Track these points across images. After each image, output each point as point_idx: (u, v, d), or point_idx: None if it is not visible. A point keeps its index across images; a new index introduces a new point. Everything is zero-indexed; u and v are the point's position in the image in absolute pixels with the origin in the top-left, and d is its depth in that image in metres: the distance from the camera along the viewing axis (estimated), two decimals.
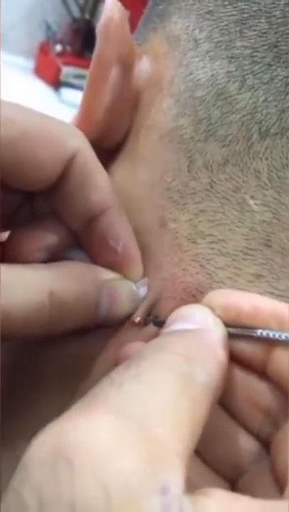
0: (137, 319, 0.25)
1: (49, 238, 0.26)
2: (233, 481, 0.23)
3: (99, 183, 0.25)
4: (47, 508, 0.14)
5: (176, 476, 0.15)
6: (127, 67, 0.27)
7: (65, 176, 0.24)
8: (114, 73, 0.27)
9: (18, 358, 0.27)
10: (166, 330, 0.22)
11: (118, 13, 0.27)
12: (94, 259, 0.26)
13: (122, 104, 0.28)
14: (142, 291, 0.25)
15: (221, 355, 0.21)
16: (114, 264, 0.26)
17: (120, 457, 0.15)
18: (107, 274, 0.25)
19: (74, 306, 0.23)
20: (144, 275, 0.26)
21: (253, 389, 0.22)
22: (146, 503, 0.14)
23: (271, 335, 0.21)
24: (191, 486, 0.16)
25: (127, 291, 0.25)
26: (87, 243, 0.26)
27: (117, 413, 0.16)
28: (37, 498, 0.14)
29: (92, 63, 0.27)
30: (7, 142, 0.23)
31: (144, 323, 0.25)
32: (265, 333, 0.21)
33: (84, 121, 0.28)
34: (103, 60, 0.27)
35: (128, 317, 0.26)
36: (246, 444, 0.23)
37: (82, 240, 0.26)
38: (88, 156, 0.25)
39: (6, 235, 0.27)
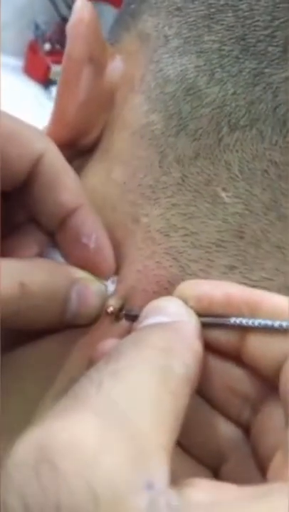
0: (110, 309, 0.25)
1: (30, 249, 0.26)
2: (216, 469, 0.23)
3: (68, 183, 0.25)
4: None
5: (160, 471, 0.15)
6: (99, 66, 0.28)
7: (33, 176, 0.25)
8: (86, 72, 0.27)
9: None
10: (141, 324, 0.22)
11: (88, 14, 0.27)
12: (68, 257, 0.26)
13: (95, 103, 0.28)
14: (111, 288, 0.26)
15: (196, 345, 0.21)
16: (87, 261, 0.26)
17: (104, 457, 0.15)
18: (79, 273, 0.26)
19: (43, 300, 0.24)
20: (118, 271, 0.26)
21: (229, 376, 0.23)
22: (134, 500, 0.14)
23: (244, 322, 0.21)
24: (175, 477, 0.16)
25: (97, 290, 0.26)
26: (61, 242, 0.26)
27: (99, 413, 0.16)
28: (22, 504, 0.14)
29: (64, 63, 0.28)
30: None
31: (117, 318, 0.25)
32: (238, 320, 0.22)
33: (58, 121, 0.28)
34: (74, 60, 0.27)
35: (97, 318, 0.26)
36: (226, 430, 0.23)
37: (57, 240, 0.26)
38: (55, 156, 0.25)
39: None
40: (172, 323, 0.22)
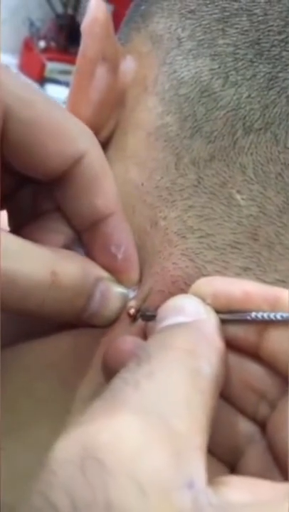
0: (132, 311, 0.25)
1: (55, 240, 0.26)
2: (232, 464, 0.23)
3: (105, 188, 0.25)
4: (82, 510, 0.14)
5: (199, 470, 0.16)
6: (112, 65, 0.28)
7: (70, 175, 0.25)
8: (100, 71, 0.27)
9: (8, 351, 0.27)
10: (161, 324, 0.22)
11: (102, 13, 0.27)
12: (93, 259, 0.26)
13: (107, 102, 0.28)
14: (131, 295, 0.26)
15: (218, 343, 0.21)
16: (111, 269, 0.26)
17: (149, 455, 0.15)
18: (105, 274, 0.26)
19: (70, 291, 0.23)
20: (138, 280, 0.26)
21: (246, 372, 0.23)
22: (179, 497, 0.15)
23: (266, 316, 0.21)
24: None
25: (120, 295, 0.26)
26: (88, 244, 0.26)
27: (139, 412, 0.16)
28: (69, 501, 0.14)
29: (78, 62, 0.28)
30: (22, 123, 0.23)
31: (133, 318, 0.26)
32: (259, 315, 0.22)
33: None
34: (88, 59, 0.27)
35: (114, 321, 0.26)
36: (243, 426, 0.23)
37: (83, 240, 0.26)
38: (96, 159, 0.25)
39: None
40: (193, 323, 0.22)
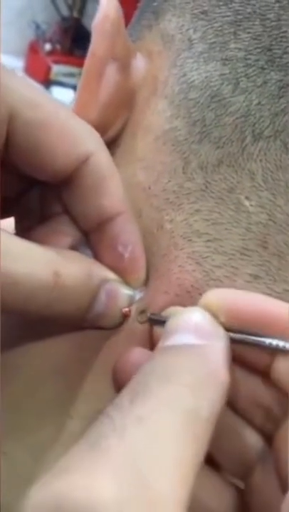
0: (124, 310, 0.25)
1: (62, 242, 0.26)
2: (243, 479, 0.23)
3: (111, 188, 0.25)
4: None
5: None
6: (122, 64, 0.27)
7: (77, 176, 0.24)
8: (109, 70, 0.27)
9: (12, 353, 0.27)
10: (169, 339, 0.22)
11: (113, 11, 0.27)
12: (100, 260, 0.26)
13: (116, 101, 0.28)
14: (137, 297, 0.26)
15: (223, 377, 0.20)
16: (118, 269, 0.26)
17: None
18: (111, 275, 0.25)
19: (74, 292, 0.23)
20: (145, 281, 0.26)
21: (254, 388, 0.22)
22: None
23: (281, 345, 0.21)
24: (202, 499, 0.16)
25: (126, 296, 0.25)
26: (95, 244, 0.26)
27: (118, 469, 0.16)
28: None
29: (87, 60, 0.27)
30: (29, 125, 0.23)
31: (141, 321, 0.25)
32: (274, 343, 0.21)
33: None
34: (98, 57, 0.27)
35: (121, 323, 0.25)
36: (251, 439, 0.23)
37: (91, 241, 0.26)
38: (103, 159, 0.25)
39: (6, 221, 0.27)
40: (200, 348, 0.21)
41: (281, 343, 0.21)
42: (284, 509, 0.18)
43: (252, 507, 0.23)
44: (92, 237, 0.26)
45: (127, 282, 0.26)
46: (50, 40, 1.92)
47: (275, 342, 0.21)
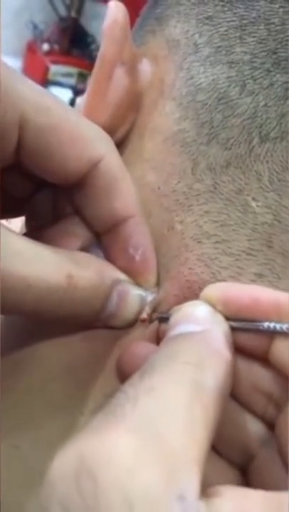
0: (143, 316, 0.26)
1: (73, 243, 0.26)
2: (244, 466, 0.23)
3: (123, 191, 0.25)
4: None
5: (191, 484, 0.16)
6: (130, 67, 0.28)
7: (89, 178, 0.25)
8: (118, 74, 0.28)
9: (24, 352, 0.27)
10: (171, 332, 0.22)
11: (122, 16, 0.27)
12: (111, 261, 0.26)
13: (124, 104, 0.28)
14: (149, 298, 0.26)
15: (226, 355, 0.21)
16: (129, 271, 0.26)
17: (140, 471, 0.16)
18: (123, 276, 0.26)
19: (87, 293, 0.23)
20: (156, 282, 0.26)
21: (255, 374, 0.23)
22: (167, 511, 0.15)
23: (278, 327, 0.22)
24: (205, 483, 0.16)
25: (137, 297, 0.26)
26: (106, 246, 0.26)
27: (134, 430, 0.17)
28: None
29: (97, 64, 0.28)
30: (39, 129, 0.23)
31: (150, 320, 0.26)
32: (272, 325, 0.22)
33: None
34: (107, 61, 0.27)
35: (132, 323, 0.26)
36: (253, 427, 0.23)
37: (102, 242, 0.26)
38: (114, 162, 0.25)
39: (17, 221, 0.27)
40: (202, 333, 0.22)
41: (278, 325, 0.21)
42: None
43: None
44: (103, 239, 0.26)
45: (138, 284, 0.26)
46: (48, 41, 1.92)
47: (272, 325, 0.22)
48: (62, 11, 1.94)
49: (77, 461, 0.16)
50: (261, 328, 0.22)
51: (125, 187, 0.25)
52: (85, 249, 0.26)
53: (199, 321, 0.22)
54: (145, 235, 0.26)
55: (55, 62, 1.86)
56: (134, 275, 0.26)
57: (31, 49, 1.91)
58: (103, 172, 0.25)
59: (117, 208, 0.25)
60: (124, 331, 0.26)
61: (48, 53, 1.89)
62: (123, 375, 0.24)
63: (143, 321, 0.26)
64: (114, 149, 0.25)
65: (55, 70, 1.84)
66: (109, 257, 0.26)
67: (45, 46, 1.89)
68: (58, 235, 0.26)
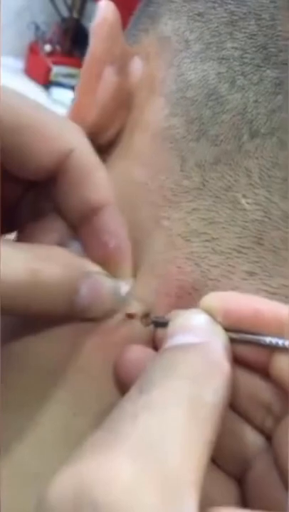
0: (131, 311, 0.25)
1: (51, 238, 0.26)
2: (240, 477, 0.23)
3: (96, 181, 0.25)
4: None
5: (190, 506, 0.16)
6: (120, 66, 0.28)
7: (61, 170, 0.25)
8: (108, 72, 0.28)
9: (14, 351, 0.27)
10: (170, 341, 0.22)
11: (111, 14, 0.27)
12: (87, 253, 0.26)
13: (114, 102, 0.28)
14: (125, 289, 0.26)
15: (225, 368, 0.21)
16: (105, 259, 0.26)
17: (141, 496, 0.15)
18: (93, 267, 0.25)
19: (53, 289, 0.23)
20: (135, 272, 0.26)
21: (253, 385, 0.23)
22: None
23: (281, 343, 0.21)
24: (203, 493, 0.17)
25: (110, 287, 0.25)
26: (83, 238, 0.26)
27: (134, 450, 0.17)
28: None
29: (85, 62, 0.28)
30: (10, 130, 0.23)
31: (145, 323, 0.25)
32: (274, 341, 0.21)
33: (76, 119, 0.28)
34: (96, 59, 0.27)
35: (110, 313, 0.26)
36: (250, 437, 0.23)
37: (79, 235, 0.26)
38: (86, 152, 0.25)
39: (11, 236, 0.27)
40: (200, 345, 0.21)
41: (280, 341, 0.21)
42: None
43: (250, 503, 0.23)
44: (80, 231, 0.26)
45: (113, 274, 0.26)
46: (50, 41, 1.92)
47: (274, 340, 0.21)
48: (64, 12, 1.94)
49: (77, 485, 0.16)
50: (262, 342, 0.22)
51: (98, 177, 0.25)
52: (63, 243, 0.26)
53: (198, 331, 0.22)
54: (119, 222, 0.25)
55: (57, 63, 1.86)
56: (110, 265, 0.26)
57: (33, 50, 1.91)
58: (75, 163, 0.24)
59: (89, 197, 0.25)
60: (114, 327, 0.26)
61: (50, 54, 1.89)
62: (121, 381, 0.24)
63: (130, 316, 0.25)
64: (85, 141, 0.25)
65: (57, 70, 1.84)
66: (86, 249, 0.26)
67: (47, 47, 1.89)
68: (36, 231, 0.26)
